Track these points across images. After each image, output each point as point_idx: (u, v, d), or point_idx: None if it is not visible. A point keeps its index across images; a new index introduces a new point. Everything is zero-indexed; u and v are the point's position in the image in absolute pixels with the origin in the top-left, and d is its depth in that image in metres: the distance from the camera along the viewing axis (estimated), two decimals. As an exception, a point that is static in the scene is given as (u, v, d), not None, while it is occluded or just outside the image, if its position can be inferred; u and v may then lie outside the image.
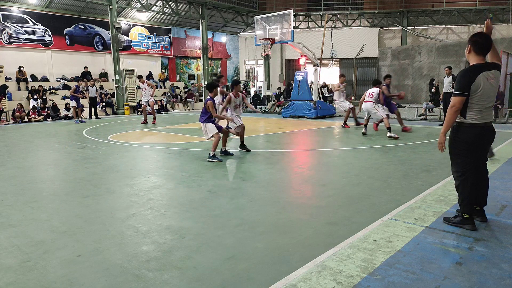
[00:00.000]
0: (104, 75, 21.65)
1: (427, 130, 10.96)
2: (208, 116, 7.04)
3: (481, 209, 3.73)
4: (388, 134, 9.43)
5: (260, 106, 20.42)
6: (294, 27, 21.61)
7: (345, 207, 4.30)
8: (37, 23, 19.08)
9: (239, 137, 8.05)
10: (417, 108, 15.67)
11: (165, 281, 2.75)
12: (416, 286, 2.57)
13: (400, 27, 24.45)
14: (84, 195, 4.98)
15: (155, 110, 15.15)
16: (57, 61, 20.13)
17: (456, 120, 3.50)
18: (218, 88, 7.87)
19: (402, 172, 5.87)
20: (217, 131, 7.06)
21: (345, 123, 12.21)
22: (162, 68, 24.99)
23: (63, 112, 17.46)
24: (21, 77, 18.23)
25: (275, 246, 3.29)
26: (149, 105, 14.13)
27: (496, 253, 3.05)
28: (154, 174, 6.07)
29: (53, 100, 17.80)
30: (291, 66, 26.76)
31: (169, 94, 22.87)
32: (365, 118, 10.39)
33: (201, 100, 24.10)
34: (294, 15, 19.08)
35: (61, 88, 19.37)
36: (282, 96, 20.48)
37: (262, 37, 16.52)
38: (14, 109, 16.14)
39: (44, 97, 17.64)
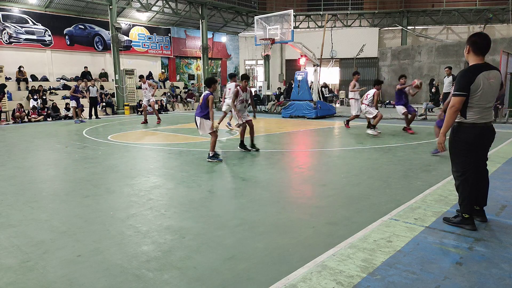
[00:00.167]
0: (104, 75, 21.65)
1: (427, 130, 10.96)
2: (206, 113, 6.91)
3: (481, 209, 3.73)
4: (369, 131, 10.00)
5: (260, 106, 20.43)
6: (294, 27, 21.61)
7: (345, 207, 4.30)
8: (37, 23, 19.07)
9: (239, 135, 8.03)
10: (417, 108, 15.65)
11: (165, 281, 2.75)
12: (416, 286, 2.57)
13: (400, 27, 24.44)
14: (84, 195, 4.98)
15: (157, 110, 15.13)
16: (57, 61, 20.12)
17: (456, 120, 3.50)
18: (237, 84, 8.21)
19: (402, 172, 5.88)
20: (214, 130, 6.97)
21: (348, 122, 12.04)
22: (162, 68, 24.98)
23: (63, 112, 17.45)
24: (21, 77, 18.22)
25: (275, 246, 3.29)
26: (149, 105, 14.14)
27: (496, 253, 3.05)
28: (154, 174, 6.07)
29: (53, 100, 17.80)
30: (291, 66, 26.75)
31: (169, 94, 22.87)
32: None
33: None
34: (294, 15, 19.09)
35: (61, 88, 19.36)
36: (282, 96, 20.49)
37: (262, 37, 16.52)
38: (14, 109, 16.14)
39: (44, 97, 17.64)
